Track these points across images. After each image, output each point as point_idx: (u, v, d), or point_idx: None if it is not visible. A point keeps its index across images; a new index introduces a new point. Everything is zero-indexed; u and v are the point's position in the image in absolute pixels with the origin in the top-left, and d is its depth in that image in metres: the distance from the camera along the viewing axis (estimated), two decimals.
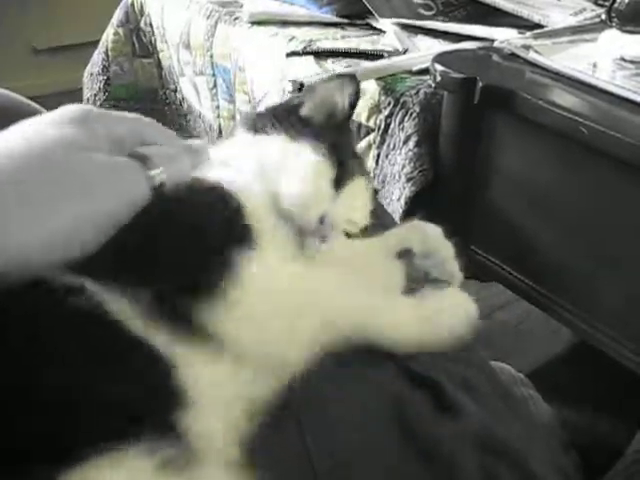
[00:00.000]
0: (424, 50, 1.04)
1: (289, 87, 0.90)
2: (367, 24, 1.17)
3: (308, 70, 1.02)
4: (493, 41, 1.00)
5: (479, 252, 0.88)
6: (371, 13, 1.15)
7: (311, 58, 1.02)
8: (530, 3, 1.15)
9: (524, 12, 1.07)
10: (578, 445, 0.74)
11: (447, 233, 0.57)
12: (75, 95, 2.23)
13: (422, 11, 1.16)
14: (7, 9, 2.22)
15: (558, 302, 0.84)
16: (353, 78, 0.56)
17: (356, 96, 0.56)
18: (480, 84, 0.77)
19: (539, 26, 1.06)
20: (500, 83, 0.78)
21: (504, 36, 1.00)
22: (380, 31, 1.13)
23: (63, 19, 2.31)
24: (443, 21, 1.14)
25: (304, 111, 0.54)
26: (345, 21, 1.17)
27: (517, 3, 1.12)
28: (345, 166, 0.51)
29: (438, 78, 0.81)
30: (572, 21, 1.07)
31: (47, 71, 2.29)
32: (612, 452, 0.76)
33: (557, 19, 1.07)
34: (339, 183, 0.51)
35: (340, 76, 0.58)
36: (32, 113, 0.64)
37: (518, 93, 0.76)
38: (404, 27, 1.11)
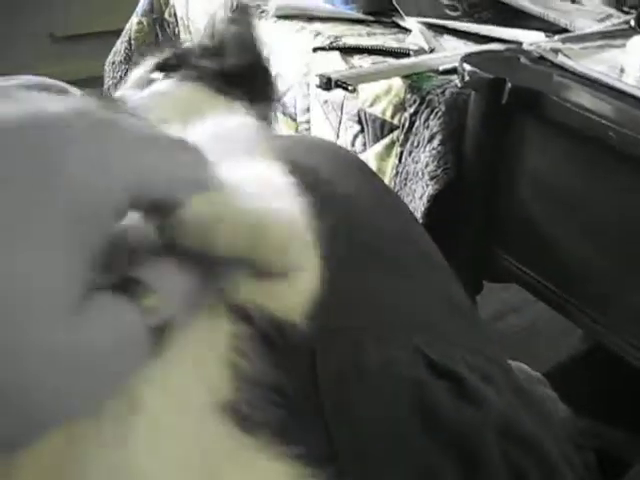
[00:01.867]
0: (450, 50, 1.04)
1: (316, 81, 0.91)
2: (393, 22, 1.17)
3: (334, 66, 1.02)
4: (520, 44, 1.01)
5: (499, 253, 0.88)
6: (397, 11, 1.15)
7: (337, 54, 1.03)
8: (556, 7, 1.16)
9: (551, 16, 1.08)
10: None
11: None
12: (93, 83, 2.25)
13: (448, 11, 1.17)
14: None
15: (577, 305, 0.84)
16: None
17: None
18: (509, 85, 0.77)
19: (565, 30, 1.06)
20: (528, 85, 0.78)
21: (531, 39, 1.00)
22: (406, 29, 1.14)
23: (82, 7, 2.33)
24: (468, 22, 1.14)
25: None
26: (370, 18, 1.18)
27: (543, 7, 1.13)
28: None
29: (467, 78, 0.81)
30: (598, 27, 1.07)
31: (66, 59, 2.31)
32: (622, 462, 0.76)
33: (583, 24, 1.07)
34: None
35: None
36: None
37: (546, 95, 0.76)
38: (430, 27, 1.11)
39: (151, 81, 0.50)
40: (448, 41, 1.08)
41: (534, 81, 0.80)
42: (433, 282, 0.53)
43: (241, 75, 0.49)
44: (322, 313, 0.35)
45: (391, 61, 0.95)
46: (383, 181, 0.63)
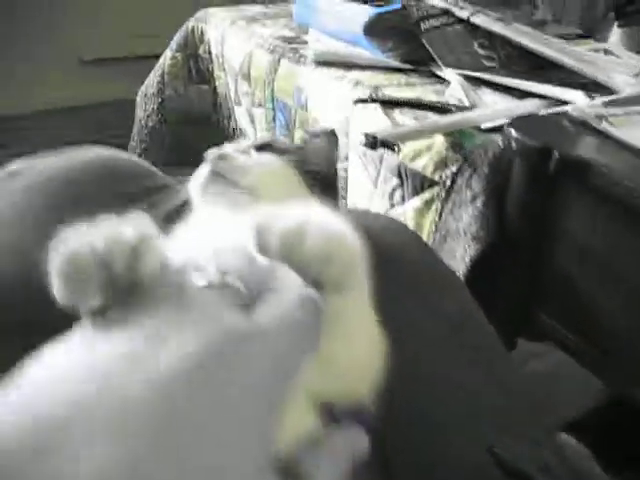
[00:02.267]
0: (489, 105, 1.05)
1: (361, 139, 0.92)
2: (430, 71, 1.18)
3: (374, 118, 1.04)
4: (559, 101, 1.02)
5: (538, 313, 0.89)
6: (434, 60, 1.17)
7: (378, 106, 1.04)
8: (591, 60, 1.17)
9: (588, 71, 1.09)
10: None
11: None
12: (119, 105, 2.28)
13: (485, 62, 1.18)
14: (56, 21, 2.28)
15: (615, 368, 0.85)
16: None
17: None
18: (556, 155, 0.78)
19: (602, 87, 1.07)
20: (575, 155, 0.79)
21: (570, 97, 1.02)
22: (443, 80, 1.15)
23: (110, 32, 2.36)
24: (505, 73, 1.15)
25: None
26: (409, 67, 1.19)
27: (580, 61, 1.14)
28: None
29: (513, 144, 0.82)
30: (633, 82, 1.08)
31: (93, 82, 2.34)
32: None
33: (620, 80, 1.08)
34: None
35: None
36: (144, 173, 0.65)
37: (592, 165, 0.77)
38: (468, 78, 1.12)
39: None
40: (486, 94, 1.09)
41: (580, 150, 0.81)
42: (495, 368, 0.55)
43: (315, 177, 0.53)
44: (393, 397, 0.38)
45: (434, 118, 0.96)
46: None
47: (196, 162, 1.74)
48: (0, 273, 0.53)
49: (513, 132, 0.84)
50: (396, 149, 0.88)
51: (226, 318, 0.35)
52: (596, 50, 1.28)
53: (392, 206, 1.03)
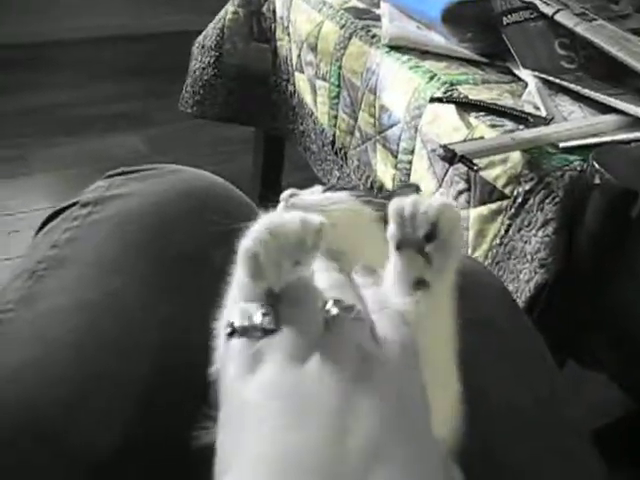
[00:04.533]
0: (566, 114, 1.03)
1: (439, 151, 0.91)
2: (507, 67, 1.15)
3: (448, 119, 1.02)
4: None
5: (595, 344, 0.90)
6: (512, 56, 1.13)
7: (453, 107, 1.02)
8: None
9: None
10: None
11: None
12: (170, 37, 2.23)
13: (564, 63, 1.14)
14: None
15: None
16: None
17: None
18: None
19: None
20: None
21: None
22: (520, 79, 1.12)
23: None
24: (584, 76, 1.12)
25: None
26: (485, 60, 1.16)
27: None
28: None
29: (597, 181, 0.81)
30: None
31: (141, 12, 2.28)
32: None
33: None
34: None
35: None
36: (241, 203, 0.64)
37: None
38: (545, 81, 1.09)
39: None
40: (564, 102, 1.07)
41: None
42: (574, 453, 0.56)
43: None
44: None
45: (512, 134, 0.94)
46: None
47: (249, 121, 1.72)
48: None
49: (596, 164, 0.82)
50: (475, 169, 0.87)
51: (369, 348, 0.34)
52: None
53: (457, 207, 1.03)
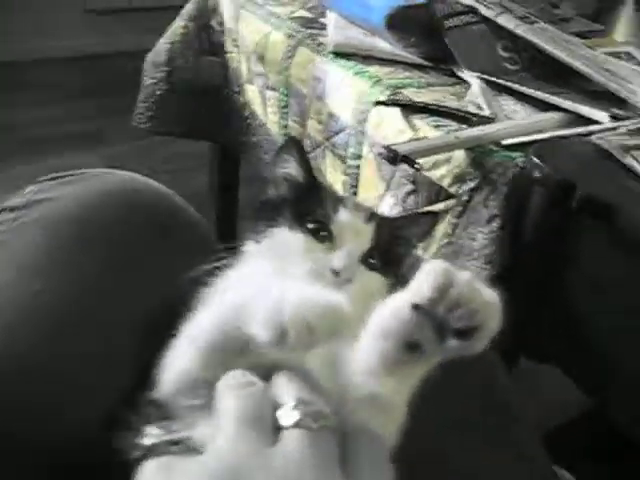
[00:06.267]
0: (509, 113, 1.04)
1: (381, 151, 0.91)
2: (451, 70, 1.16)
3: (393, 121, 1.02)
4: (580, 116, 1.01)
5: (543, 336, 0.91)
6: (455, 59, 1.15)
7: (397, 110, 1.02)
8: (615, 71, 1.15)
9: (611, 86, 1.07)
10: None
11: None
12: (122, 57, 2.23)
13: (507, 65, 1.16)
14: None
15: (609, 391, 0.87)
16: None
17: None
18: (579, 193, 0.78)
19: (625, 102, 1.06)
20: (599, 194, 0.79)
21: (594, 115, 1.00)
22: (464, 81, 1.13)
23: None
24: (528, 78, 1.14)
25: None
26: (429, 64, 1.17)
27: (602, 70, 1.12)
28: None
29: (537, 175, 0.82)
30: None
31: (98, 32, 2.27)
32: None
33: None
34: None
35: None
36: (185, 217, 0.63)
37: (614, 208, 0.77)
38: (489, 82, 1.11)
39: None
40: (507, 101, 1.08)
41: (604, 187, 0.81)
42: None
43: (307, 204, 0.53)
44: None
45: (456, 133, 0.95)
46: None
47: (203, 134, 1.71)
48: None
49: (535, 159, 0.83)
50: (416, 167, 0.87)
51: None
52: (617, 54, 1.26)
53: (405, 210, 1.03)
